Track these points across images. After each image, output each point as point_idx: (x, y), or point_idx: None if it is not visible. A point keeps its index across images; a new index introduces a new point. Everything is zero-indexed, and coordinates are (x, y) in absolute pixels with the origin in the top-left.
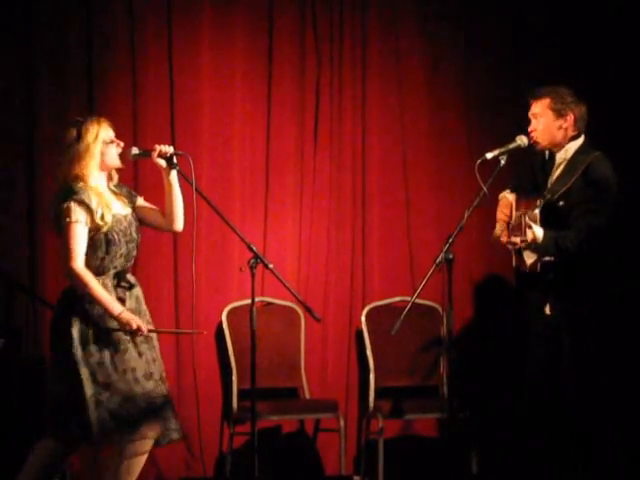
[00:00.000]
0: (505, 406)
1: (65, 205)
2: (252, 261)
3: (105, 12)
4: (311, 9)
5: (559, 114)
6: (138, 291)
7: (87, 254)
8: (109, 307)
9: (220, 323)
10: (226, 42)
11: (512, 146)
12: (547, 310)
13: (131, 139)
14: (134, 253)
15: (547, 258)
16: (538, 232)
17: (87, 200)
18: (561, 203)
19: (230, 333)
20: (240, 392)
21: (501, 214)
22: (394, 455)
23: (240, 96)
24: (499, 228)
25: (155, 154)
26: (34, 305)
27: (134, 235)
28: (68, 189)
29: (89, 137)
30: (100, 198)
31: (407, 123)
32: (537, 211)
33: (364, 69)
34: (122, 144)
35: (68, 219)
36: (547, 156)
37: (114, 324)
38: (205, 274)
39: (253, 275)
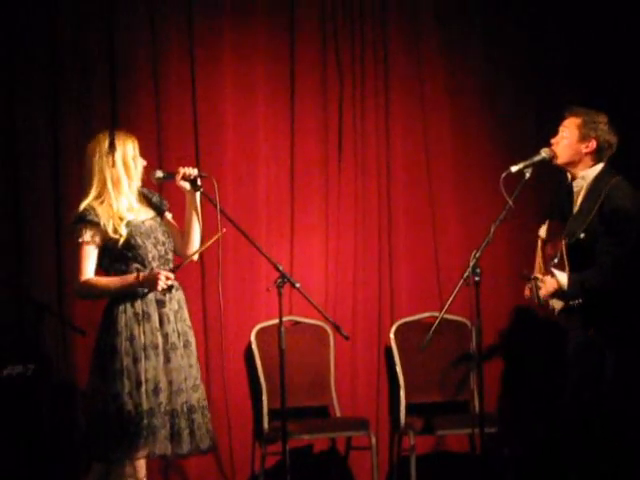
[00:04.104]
0: (537, 421)
1: (76, 227)
2: (279, 281)
3: (127, 30)
4: (332, 26)
5: (584, 138)
6: (180, 295)
7: (120, 266)
8: (125, 283)
9: (249, 343)
10: (248, 60)
11: (537, 159)
12: (588, 332)
13: (155, 161)
14: (169, 256)
15: (576, 301)
16: (562, 280)
17: (96, 219)
18: (582, 236)
19: (259, 353)
20: (271, 412)
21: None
22: (426, 471)
23: (263, 115)
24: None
25: (179, 177)
26: (64, 331)
27: (160, 238)
28: (80, 212)
29: (126, 151)
30: (112, 213)
31: (431, 138)
32: (556, 260)
33: (386, 85)
34: (145, 163)
35: (79, 240)
36: (569, 179)
37: (148, 327)
38: (233, 294)
39: (280, 295)
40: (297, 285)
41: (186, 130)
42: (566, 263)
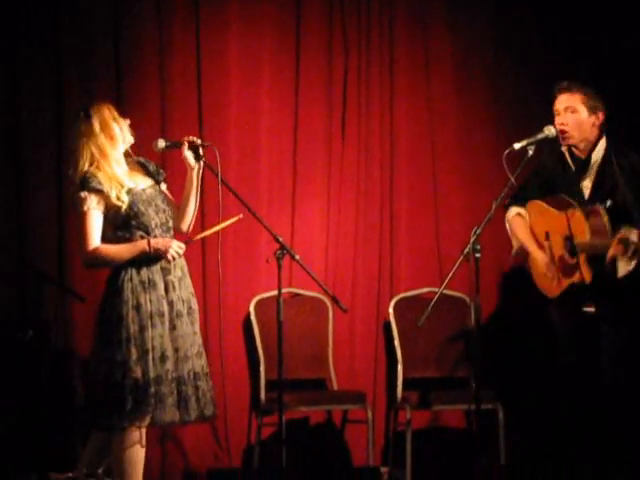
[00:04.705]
0: (533, 396)
1: (79, 195)
2: (279, 252)
3: (131, 3)
4: (339, 1)
5: (592, 111)
6: (182, 262)
7: (123, 234)
8: (135, 250)
9: (248, 314)
10: (254, 33)
11: (540, 137)
12: (587, 308)
13: (159, 131)
14: (170, 224)
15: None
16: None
17: (99, 186)
18: (608, 203)
19: (258, 324)
20: (268, 383)
21: (523, 233)
22: (422, 446)
23: (267, 87)
24: (518, 245)
25: (185, 147)
26: (63, 298)
27: (161, 205)
28: (81, 179)
29: (103, 116)
30: (112, 180)
31: (435, 114)
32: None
33: (392, 61)
34: (129, 121)
35: (84, 208)
36: (569, 156)
37: (154, 296)
38: (233, 265)
39: (280, 266)
40: (297, 257)
41: (190, 103)
42: (609, 229)
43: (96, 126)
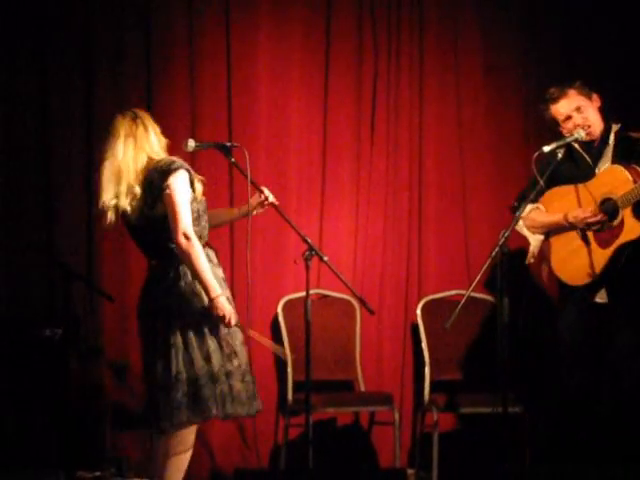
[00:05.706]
0: (560, 400)
1: (174, 174)
2: (307, 253)
3: (163, 2)
4: (369, 3)
5: (589, 98)
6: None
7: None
8: (209, 286)
9: (276, 315)
10: (284, 35)
11: (570, 139)
12: (599, 298)
13: (189, 132)
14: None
15: None
16: None
17: (189, 169)
18: None
19: (286, 325)
20: (295, 384)
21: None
22: (449, 448)
23: (297, 89)
24: (535, 244)
25: (255, 200)
26: (91, 297)
27: (205, 214)
28: (166, 163)
29: (147, 117)
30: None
31: (464, 116)
32: None
33: (421, 62)
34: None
35: (177, 187)
36: (579, 148)
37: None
38: (261, 266)
39: (308, 267)
40: (325, 258)
41: (220, 102)
42: None
43: (147, 123)
